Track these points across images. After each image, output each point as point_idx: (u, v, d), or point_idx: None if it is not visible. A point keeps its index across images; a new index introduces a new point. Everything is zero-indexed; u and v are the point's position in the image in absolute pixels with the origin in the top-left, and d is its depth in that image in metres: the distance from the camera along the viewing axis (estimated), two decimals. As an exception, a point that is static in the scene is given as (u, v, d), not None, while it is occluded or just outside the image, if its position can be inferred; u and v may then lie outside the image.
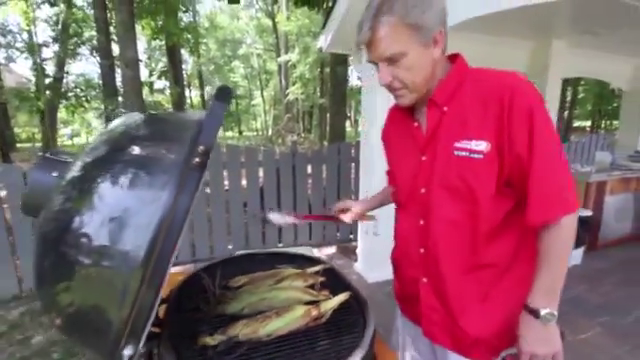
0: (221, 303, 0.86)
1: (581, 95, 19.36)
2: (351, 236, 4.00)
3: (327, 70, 13.41)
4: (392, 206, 1.07)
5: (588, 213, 3.37)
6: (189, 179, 0.50)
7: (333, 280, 0.97)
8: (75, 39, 12.38)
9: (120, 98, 8.66)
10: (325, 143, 12.04)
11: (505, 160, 0.75)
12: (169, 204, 0.47)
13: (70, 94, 12.28)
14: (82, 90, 12.58)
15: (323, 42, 3.29)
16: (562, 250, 0.76)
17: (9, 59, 13.12)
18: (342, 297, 0.84)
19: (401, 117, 0.96)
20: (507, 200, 0.80)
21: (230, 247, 3.56)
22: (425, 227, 0.87)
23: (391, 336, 1.13)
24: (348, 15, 2.71)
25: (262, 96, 25.86)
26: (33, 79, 11.83)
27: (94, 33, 10.62)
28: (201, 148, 0.52)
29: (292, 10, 15.64)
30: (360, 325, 0.80)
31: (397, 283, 1.04)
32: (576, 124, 22.87)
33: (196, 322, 0.80)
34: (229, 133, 27.51)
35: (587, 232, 3.40)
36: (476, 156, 0.77)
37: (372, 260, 3.08)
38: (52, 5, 11.59)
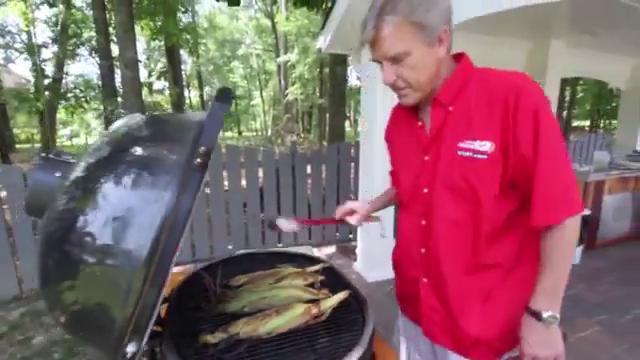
0: (222, 302, 0.86)
1: (580, 95, 19.41)
2: (350, 236, 4.00)
3: (326, 70, 13.44)
4: (392, 206, 1.08)
5: (586, 212, 3.38)
6: (191, 179, 0.51)
7: (333, 279, 0.98)
8: (74, 40, 12.37)
9: (119, 99, 8.68)
10: (324, 143, 12.04)
11: (509, 161, 0.75)
12: (171, 204, 0.48)
13: (69, 95, 12.27)
14: (81, 91, 12.58)
15: (322, 43, 3.30)
16: (565, 252, 0.75)
17: (8, 60, 13.13)
18: (341, 295, 0.85)
19: (405, 116, 0.95)
20: (510, 201, 0.79)
21: (230, 247, 3.57)
22: (427, 227, 0.87)
23: (392, 336, 1.13)
24: (347, 15, 2.72)
25: (261, 96, 25.84)
26: (32, 80, 11.81)
27: (93, 34, 10.63)
28: (202, 149, 0.52)
29: (291, 10, 15.64)
30: (359, 323, 0.80)
31: (398, 283, 1.04)
32: (575, 124, 22.91)
33: (197, 320, 0.81)
34: (228, 133, 27.49)
35: (586, 231, 3.42)
36: (480, 156, 0.76)
37: (371, 260, 3.09)
38: (51, 6, 11.59)
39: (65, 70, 12.55)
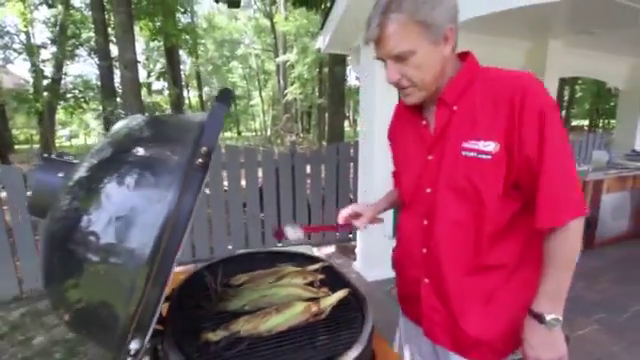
0: (223, 300, 0.87)
1: (579, 94, 19.44)
2: (350, 235, 4.02)
3: (325, 70, 13.44)
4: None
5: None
6: (192, 179, 0.52)
7: (332, 278, 0.99)
8: (73, 40, 12.37)
9: (118, 99, 8.68)
10: (324, 143, 12.05)
11: (514, 161, 0.74)
12: (174, 203, 0.49)
13: (68, 95, 12.29)
14: (80, 91, 12.59)
15: (321, 43, 3.31)
16: (569, 254, 0.75)
17: (6, 60, 13.11)
18: (341, 294, 0.86)
19: (408, 115, 0.94)
20: (513, 202, 0.79)
21: (230, 247, 3.58)
22: (429, 227, 0.86)
23: (393, 336, 1.13)
24: (346, 15, 2.73)
25: (260, 96, 25.83)
26: (31, 80, 11.80)
27: (92, 34, 10.63)
28: (203, 149, 0.53)
29: (290, 10, 15.65)
30: (359, 321, 0.81)
31: (399, 283, 1.03)
32: (574, 123, 22.96)
33: (198, 319, 0.82)
34: (228, 134, 27.47)
35: (584, 230, 3.43)
36: (484, 157, 0.75)
37: (371, 259, 3.10)
38: (50, 6, 11.59)
39: (64, 71, 12.57)
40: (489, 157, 0.75)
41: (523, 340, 0.78)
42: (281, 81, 18.22)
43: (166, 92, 16.55)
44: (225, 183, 3.49)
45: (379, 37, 0.77)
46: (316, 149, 5.23)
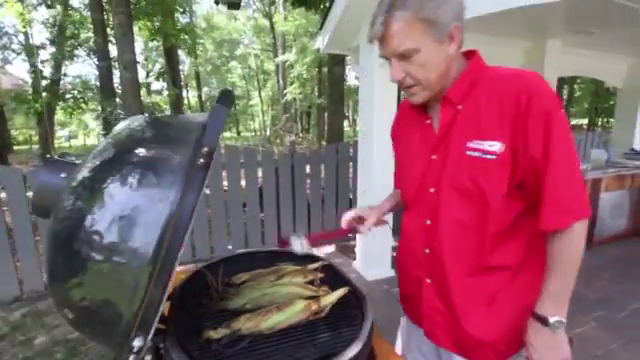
0: (224, 299, 0.88)
1: (578, 93, 19.46)
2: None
3: (325, 70, 13.44)
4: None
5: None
6: (194, 179, 0.53)
7: (332, 276, 0.99)
8: (72, 41, 12.34)
9: (118, 100, 8.68)
10: (323, 143, 12.07)
11: (519, 162, 0.73)
12: (176, 203, 0.50)
13: (67, 96, 12.26)
14: (79, 92, 12.57)
15: (320, 43, 3.32)
16: (573, 256, 0.74)
17: (5, 61, 13.10)
18: (341, 292, 0.87)
19: (412, 114, 0.93)
20: (518, 203, 0.78)
21: (230, 247, 3.58)
22: (432, 227, 0.85)
23: (394, 334, 1.12)
24: (345, 16, 2.74)
25: (260, 96, 25.82)
26: (30, 81, 11.79)
27: (91, 35, 10.62)
28: (205, 149, 0.54)
29: (289, 10, 15.64)
30: (358, 319, 0.82)
31: (401, 283, 1.03)
32: (573, 122, 22.97)
33: (200, 317, 0.83)
34: (227, 134, 27.45)
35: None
36: (489, 157, 0.75)
37: (371, 258, 3.11)
38: (49, 7, 11.57)
39: (63, 71, 12.54)
40: (494, 157, 0.74)
41: (526, 342, 0.78)
42: (280, 81, 18.22)
43: (165, 92, 16.56)
44: (225, 183, 3.49)
45: (383, 35, 0.76)
46: (315, 149, 5.24)
